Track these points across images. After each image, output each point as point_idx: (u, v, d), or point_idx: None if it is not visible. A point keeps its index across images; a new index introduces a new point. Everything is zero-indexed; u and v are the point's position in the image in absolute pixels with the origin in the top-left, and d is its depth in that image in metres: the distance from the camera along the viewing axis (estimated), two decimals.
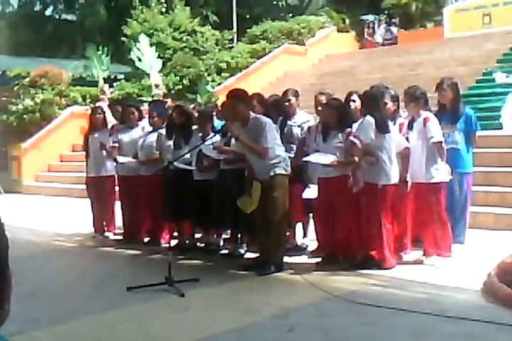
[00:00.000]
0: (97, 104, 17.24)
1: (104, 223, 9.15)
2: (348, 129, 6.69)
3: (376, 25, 26.73)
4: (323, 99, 7.29)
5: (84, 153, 9.42)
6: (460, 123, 7.25)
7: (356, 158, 6.51)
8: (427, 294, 5.58)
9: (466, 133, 7.27)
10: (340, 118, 6.67)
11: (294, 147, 7.32)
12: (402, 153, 6.67)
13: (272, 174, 6.47)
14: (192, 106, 8.73)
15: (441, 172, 6.62)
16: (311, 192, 6.92)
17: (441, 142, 6.61)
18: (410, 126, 6.83)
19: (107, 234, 9.09)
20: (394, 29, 25.70)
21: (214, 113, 8.17)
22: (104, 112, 9.30)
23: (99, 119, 9.10)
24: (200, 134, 7.67)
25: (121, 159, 8.43)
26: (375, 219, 6.46)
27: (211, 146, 7.30)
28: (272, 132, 6.53)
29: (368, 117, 6.50)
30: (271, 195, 6.45)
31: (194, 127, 7.85)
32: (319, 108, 7.27)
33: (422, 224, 6.76)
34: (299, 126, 7.45)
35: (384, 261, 6.46)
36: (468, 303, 5.26)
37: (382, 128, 6.50)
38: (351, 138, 6.49)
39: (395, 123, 6.89)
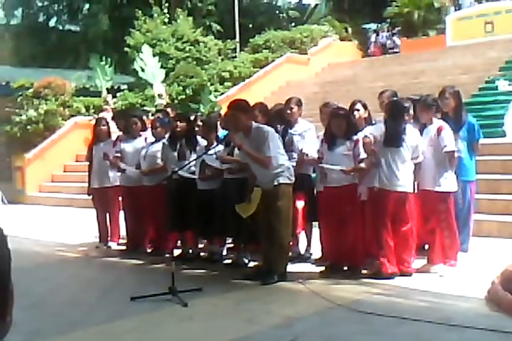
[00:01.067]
0: (101, 115, 17.32)
1: (109, 233, 9.17)
2: (355, 137, 6.70)
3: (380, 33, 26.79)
4: (328, 110, 7.29)
5: (87, 163, 9.44)
6: (463, 131, 7.26)
7: (363, 165, 6.55)
8: (430, 302, 5.57)
9: (468, 141, 7.29)
10: (348, 127, 6.69)
11: (295, 155, 7.32)
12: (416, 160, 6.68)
13: (275, 183, 6.47)
14: (193, 117, 8.74)
15: (450, 182, 6.61)
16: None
17: (453, 152, 6.61)
18: (421, 133, 6.82)
19: (110, 243, 9.11)
20: (396, 39, 25.73)
21: (218, 122, 8.18)
22: (108, 123, 9.33)
23: (103, 130, 9.12)
24: (205, 144, 7.69)
25: (123, 165, 8.45)
26: (374, 224, 6.46)
27: (214, 156, 7.32)
28: (275, 141, 6.54)
29: (381, 124, 6.51)
30: (275, 204, 6.45)
31: (199, 138, 7.86)
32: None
33: (430, 232, 6.75)
34: (299, 134, 7.46)
35: (381, 267, 6.44)
36: (472, 312, 5.24)
37: (395, 142, 6.48)
38: (368, 134, 6.46)
39: None
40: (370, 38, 26.64)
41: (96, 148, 9.06)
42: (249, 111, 6.70)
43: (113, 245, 9.09)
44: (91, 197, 9.38)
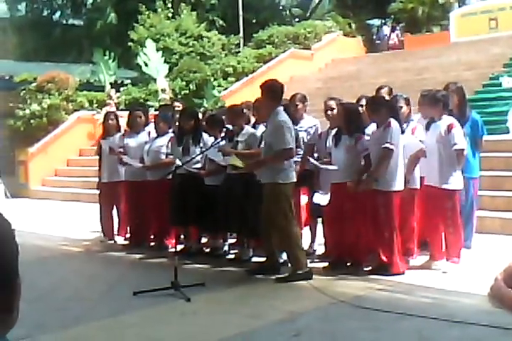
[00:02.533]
0: (104, 109, 17.35)
1: (114, 228, 9.14)
2: (357, 134, 6.68)
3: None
4: (332, 104, 7.28)
5: (92, 158, 9.43)
6: (466, 127, 7.24)
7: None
8: (433, 299, 5.58)
9: (472, 137, 7.27)
10: (350, 123, 6.67)
11: (300, 151, 7.32)
12: (415, 155, 6.65)
13: (276, 179, 6.45)
14: (201, 114, 8.75)
15: (458, 180, 6.60)
16: (321, 198, 6.92)
17: (463, 150, 6.59)
18: (427, 128, 6.81)
19: (116, 238, 9.07)
20: (386, 29, 25.77)
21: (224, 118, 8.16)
22: (116, 117, 9.32)
23: (112, 124, 9.11)
24: (213, 140, 7.69)
25: (126, 159, 8.44)
26: (385, 225, 6.44)
27: (216, 150, 7.32)
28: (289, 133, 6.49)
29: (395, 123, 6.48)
30: (275, 200, 6.43)
31: (205, 134, 7.87)
32: (329, 113, 7.28)
33: (433, 228, 6.74)
34: (305, 130, 7.46)
35: (392, 266, 6.44)
36: (474, 308, 5.25)
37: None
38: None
39: (407, 126, 6.91)
40: (382, 32, 26.43)
41: (104, 143, 9.04)
42: (274, 93, 6.58)
43: (119, 240, 9.06)
44: (99, 191, 9.37)
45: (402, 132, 6.53)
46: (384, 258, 6.49)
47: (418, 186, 6.76)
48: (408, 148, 6.62)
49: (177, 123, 8.17)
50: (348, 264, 6.80)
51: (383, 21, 27.89)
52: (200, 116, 8.62)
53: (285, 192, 6.48)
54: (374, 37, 26.27)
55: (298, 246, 6.56)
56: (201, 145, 7.73)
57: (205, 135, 7.88)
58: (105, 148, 8.92)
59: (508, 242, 7.87)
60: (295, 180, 6.60)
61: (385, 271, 6.44)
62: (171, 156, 7.99)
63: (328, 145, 7.04)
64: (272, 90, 6.60)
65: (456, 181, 6.58)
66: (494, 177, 9.30)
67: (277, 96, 6.64)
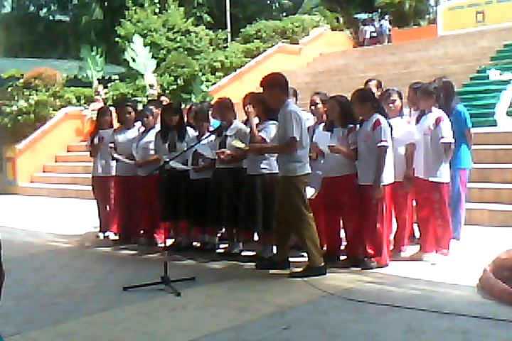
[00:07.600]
0: (91, 105, 17.30)
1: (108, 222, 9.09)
2: (351, 125, 6.67)
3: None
4: (316, 99, 7.27)
5: (81, 153, 9.38)
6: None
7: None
8: (422, 290, 5.60)
9: (456, 129, 7.22)
10: (344, 115, 6.66)
11: None
12: (409, 152, 6.67)
13: (286, 173, 6.41)
14: (188, 106, 8.71)
15: (445, 173, 6.61)
16: (308, 190, 6.90)
17: (450, 143, 6.60)
18: (418, 121, 6.83)
19: (107, 233, 9.03)
20: (385, 22, 25.67)
21: (209, 112, 8.15)
22: (111, 113, 9.28)
23: (108, 120, 9.09)
24: (196, 134, 7.68)
25: (116, 155, 8.42)
26: (376, 218, 6.45)
27: (207, 145, 7.31)
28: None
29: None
30: (287, 194, 6.37)
31: (189, 128, 7.86)
32: (312, 107, 7.29)
33: (423, 220, 6.77)
34: None
35: (379, 259, 6.46)
36: (463, 299, 5.28)
37: None
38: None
39: (402, 119, 6.94)
40: (372, 25, 26.42)
41: (99, 137, 8.96)
42: (281, 86, 6.40)
43: (111, 235, 9.01)
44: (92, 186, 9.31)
45: (391, 127, 6.53)
46: (371, 251, 6.52)
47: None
48: (405, 137, 6.69)
49: (160, 119, 8.08)
50: (342, 258, 6.80)
51: (369, 15, 27.90)
52: (186, 109, 8.58)
53: (296, 185, 6.31)
54: (366, 31, 26.18)
55: (312, 242, 6.37)
56: (186, 140, 7.71)
57: (189, 129, 7.87)
58: (107, 139, 8.82)
59: (496, 234, 7.92)
60: (307, 172, 6.39)
61: (370, 262, 6.48)
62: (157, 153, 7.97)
63: (313, 139, 7.02)
64: (280, 83, 6.44)
65: (443, 174, 6.58)
66: (482, 170, 9.34)
67: (286, 89, 6.46)
